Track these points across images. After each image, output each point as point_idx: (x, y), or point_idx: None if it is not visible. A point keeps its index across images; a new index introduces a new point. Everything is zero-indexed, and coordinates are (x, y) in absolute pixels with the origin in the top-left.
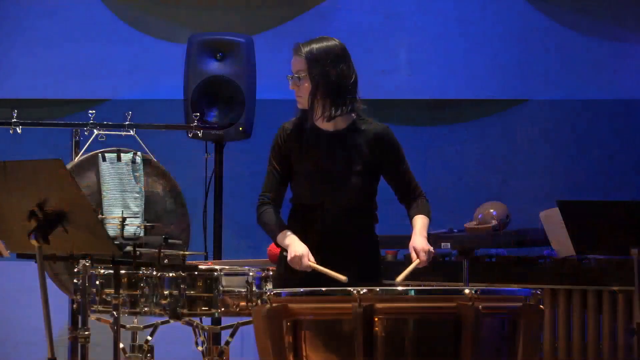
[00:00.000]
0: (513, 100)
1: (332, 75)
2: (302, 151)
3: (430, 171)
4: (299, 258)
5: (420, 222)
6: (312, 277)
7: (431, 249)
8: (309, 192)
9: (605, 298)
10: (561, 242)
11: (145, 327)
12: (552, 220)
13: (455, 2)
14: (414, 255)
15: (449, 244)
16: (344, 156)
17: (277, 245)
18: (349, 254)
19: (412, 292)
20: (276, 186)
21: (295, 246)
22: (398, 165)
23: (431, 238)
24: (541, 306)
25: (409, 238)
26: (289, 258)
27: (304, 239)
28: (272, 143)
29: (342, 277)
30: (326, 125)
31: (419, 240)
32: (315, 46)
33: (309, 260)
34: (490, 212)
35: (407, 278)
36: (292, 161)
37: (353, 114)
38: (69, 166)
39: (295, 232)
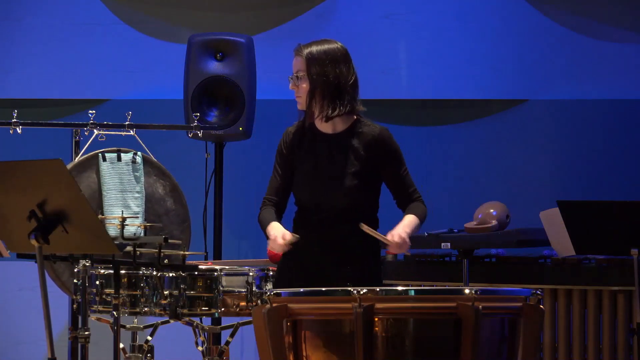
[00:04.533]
0: (513, 100)
1: (331, 76)
2: (301, 153)
3: (430, 171)
4: (274, 240)
5: (407, 218)
6: (309, 276)
7: (408, 241)
8: (308, 194)
9: (605, 298)
10: (561, 242)
11: (145, 327)
12: (552, 220)
13: (455, 2)
14: (389, 236)
15: (449, 244)
16: (341, 158)
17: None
18: (347, 255)
19: (412, 292)
20: (277, 190)
21: (274, 230)
22: (395, 168)
23: (431, 238)
24: (541, 306)
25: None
26: (269, 245)
27: (305, 240)
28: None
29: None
30: (325, 127)
31: (401, 228)
32: (315, 47)
33: (284, 238)
34: (490, 212)
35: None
36: (294, 164)
37: (353, 117)
38: (69, 166)
39: (297, 234)
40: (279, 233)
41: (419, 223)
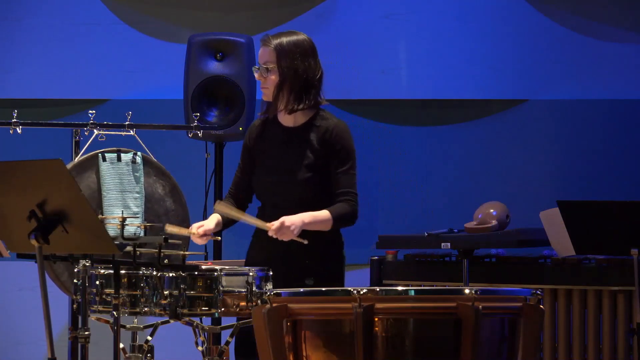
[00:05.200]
0: (513, 100)
1: (300, 69)
2: (262, 147)
3: (430, 171)
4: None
5: (317, 212)
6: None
7: (292, 228)
8: (265, 188)
9: (605, 298)
10: (561, 242)
11: (145, 327)
12: (552, 220)
13: (455, 2)
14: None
15: (449, 244)
16: (297, 151)
17: None
18: (304, 248)
19: (412, 292)
20: (237, 184)
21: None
22: (337, 164)
23: (431, 238)
24: (541, 306)
25: (408, 238)
26: None
27: (264, 233)
28: None
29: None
30: (286, 120)
31: (293, 217)
32: (285, 39)
33: (196, 231)
34: (490, 212)
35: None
36: (256, 158)
37: (314, 110)
38: (69, 166)
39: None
40: (196, 225)
41: (329, 219)
